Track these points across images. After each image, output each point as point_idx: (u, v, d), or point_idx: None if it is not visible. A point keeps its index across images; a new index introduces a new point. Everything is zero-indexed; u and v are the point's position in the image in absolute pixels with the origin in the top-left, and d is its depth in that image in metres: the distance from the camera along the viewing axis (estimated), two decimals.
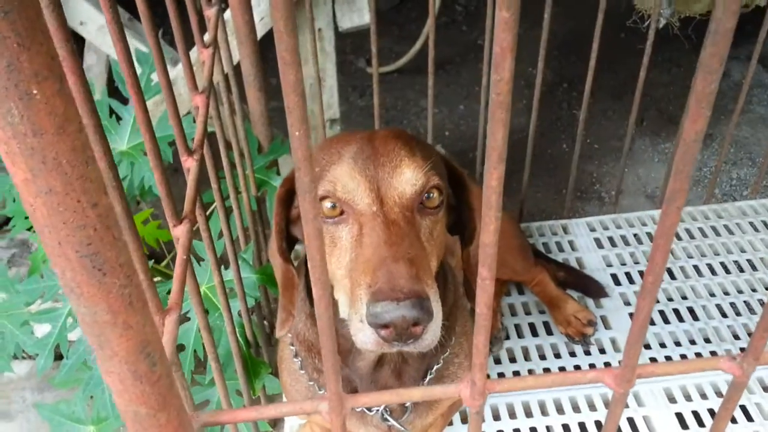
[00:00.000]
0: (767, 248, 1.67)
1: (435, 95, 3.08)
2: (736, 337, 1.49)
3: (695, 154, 0.37)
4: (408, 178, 0.80)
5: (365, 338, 0.75)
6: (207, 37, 1.01)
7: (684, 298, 1.58)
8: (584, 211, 2.55)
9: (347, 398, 0.45)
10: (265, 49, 1.50)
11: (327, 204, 0.81)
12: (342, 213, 0.81)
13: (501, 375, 1.45)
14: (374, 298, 0.70)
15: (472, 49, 3.20)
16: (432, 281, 0.76)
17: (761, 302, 1.55)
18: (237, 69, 1.29)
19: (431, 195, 0.83)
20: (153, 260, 1.43)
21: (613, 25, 2.53)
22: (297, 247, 1.01)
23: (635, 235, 1.74)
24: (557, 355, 1.49)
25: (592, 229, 1.77)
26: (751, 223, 1.72)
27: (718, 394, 1.38)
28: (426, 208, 0.83)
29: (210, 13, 1.03)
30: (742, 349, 1.47)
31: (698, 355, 1.46)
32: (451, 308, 1.04)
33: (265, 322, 1.56)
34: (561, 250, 1.72)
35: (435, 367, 1.04)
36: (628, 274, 1.64)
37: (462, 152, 2.70)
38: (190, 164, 0.78)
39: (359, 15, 1.58)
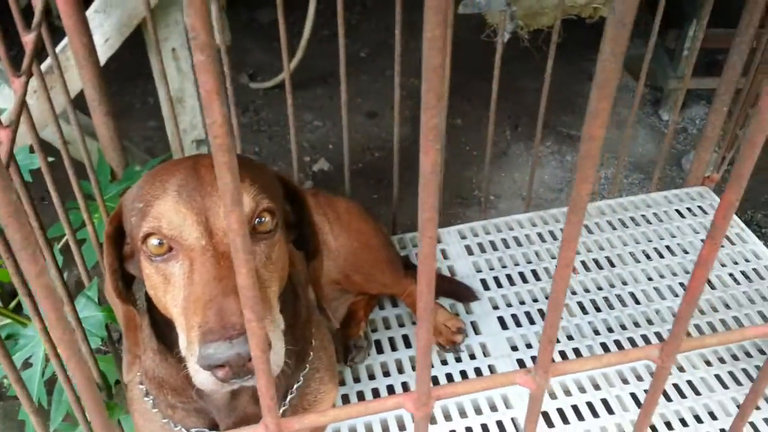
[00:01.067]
0: (623, 245, 1.75)
1: (318, 108, 3.08)
2: (597, 332, 1.55)
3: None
4: None
5: (202, 380, 0.73)
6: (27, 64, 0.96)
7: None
8: (466, 216, 2.61)
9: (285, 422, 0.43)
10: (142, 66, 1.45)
11: (153, 241, 0.78)
12: (171, 249, 0.78)
13: (375, 391, 1.45)
14: (205, 339, 0.68)
15: (354, 61, 3.22)
16: (270, 309, 0.75)
17: (619, 297, 1.63)
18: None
19: (263, 219, 0.81)
20: None
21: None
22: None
23: (503, 239, 1.79)
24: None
25: (463, 237, 1.81)
26: (609, 222, 1.81)
27: (582, 390, 1.43)
28: (259, 233, 0.81)
29: (27, 39, 0.98)
30: (603, 344, 1.54)
31: (562, 354, 1.52)
32: (305, 324, 1.04)
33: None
34: None
35: (296, 386, 1.03)
36: (496, 279, 1.68)
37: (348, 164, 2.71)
38: None
39: (215, 35, 1.56)
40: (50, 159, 1.06)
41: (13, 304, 1.44)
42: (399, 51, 1.56)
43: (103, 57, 1.52)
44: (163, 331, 0.91)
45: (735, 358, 1.50)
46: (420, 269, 0.42)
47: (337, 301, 1.56)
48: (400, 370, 1.51)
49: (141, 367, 1.00)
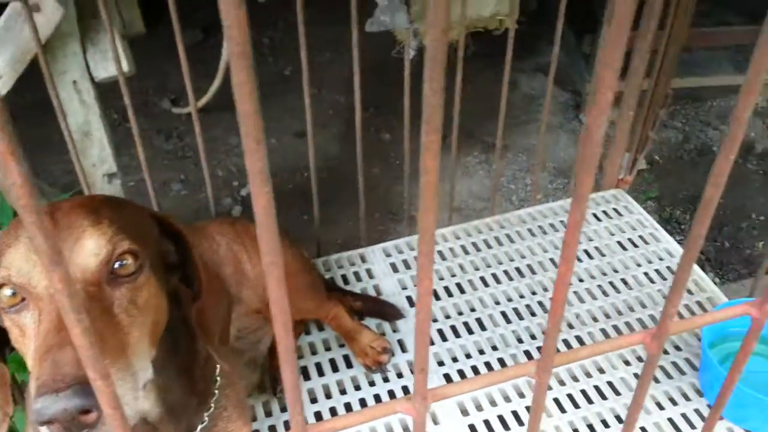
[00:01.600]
0: (544, 251, 1.79)
1: None
2: (520, 340, 1.58)
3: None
4: (90, 249, 0.76)
5: None
6: None
7: (473, 310, 1.65)
8: (397, 231, 2.62)
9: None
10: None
11: (6, 292, 0.75)
12: (23, 299, 0.75)
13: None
14: (38, 392, 0.65)
15: (279, 81, 3.21)
16: (129, 357, 0.73)
17: (540, 304, 1.66)
18: None
19: (125, 261, 0.78)
20: None
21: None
22: None
23: None
24: (357, 387, 1.51)
25: (388, 255, 1.82)
26: (529, 230, 1.85)
27: (507, 399, 1.45)
28: (120, 276, 0.78)
29: None
30: (526, 352, 1.56)
31: (487, 365, 1.54)
32: (206, 363, 1.02)
33: None
34: (359, 279, 1.75)
35: (200, 426, 1.01)
36: None
37: (275, 187, 2.69)
38: None
39: (114, 64, 1.52)
40: None
41: None
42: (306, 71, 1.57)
43: None
44: None
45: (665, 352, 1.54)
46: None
47: (261, 330, 1.54)
48: (328, 395, 1.50)
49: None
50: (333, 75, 3.23)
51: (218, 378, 1.03)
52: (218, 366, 1.04)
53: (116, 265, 0.77)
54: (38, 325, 0.73)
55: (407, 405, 0.53)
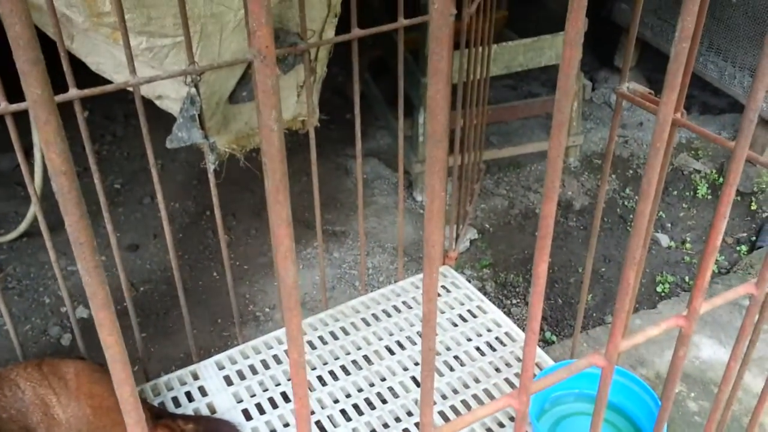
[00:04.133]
0: (379, 339, 1.80)
1: (72, 252, 2.90)
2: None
3: None
4: None
5: None
6: None
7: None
8: (244, 335, 2.55)
9: None
10: None
11: None
12: None
13: None
14: None
15: (108, 193, 3.09)
16: None
17: (379, 395, 1.65)
18: None
19: None
20: None
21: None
22: None
23: (262, 361, 1.76)
24: None
25: (221, 367, 1.76)
26: (363, 319, 1.86)
27: None
28: None
29: None
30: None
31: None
32: None
33: None
34: (191, 399, 1.67)
35: None
36: (258, 405, 1.64)
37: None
38: None
39: None
40: None
41: None
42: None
43: None
44: None
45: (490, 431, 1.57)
46: None
47: None
48: None
49: None
50: (166, 183, 3.17)
51: None
52: None
53: None
54: None
55: None
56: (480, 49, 1.96)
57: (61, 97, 1.34)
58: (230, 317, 2.58)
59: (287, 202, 0.45)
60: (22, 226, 2.72)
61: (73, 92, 1.34)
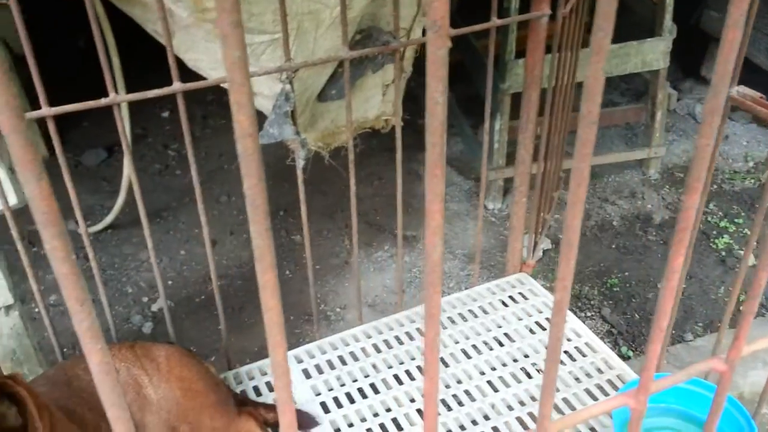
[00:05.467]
0: (455, 343, 1.79)
1: (154, 244, 3.01)
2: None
3: None
4: None
5: None
6: None
7: (388, 410, 1.63)
8: (313, 333, 2.59)
9: None
10: None
11: None
12: None
13: None
14: None
15: (188, 192, 3.19)
16: None
17: (455, 397, 1.65)
18: None
19: None
20: None
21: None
22: None
23: (339, 356, 1.78)
24: None
25: (300, 361, 1.78)
26: (449, 318, 1.86)
27: None
28: None
29: None
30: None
31: None
32: None
33: None
34: (272, 389, 1.70)
35: None
36: (336, 399, 1.66)
37: (188, 298, 2.63)
38: None
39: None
40: None
41: None
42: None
43: None
44: None
45: None
46: None
47: None
48: None
49: None
50: (239, 182, 3.25)
51: None
52: None
53: None
54: None
55: None
56: (568, 53, 1.94)
57: (166, 90, 1.40)
58: (302, 315, 2.63)
59: (443, 177, 0.46)
60: (108, 218, 2.84)
61: (177, 85, 1.40)
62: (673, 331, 2.42)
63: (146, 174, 3.30)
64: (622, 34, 2.81)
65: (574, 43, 1.92)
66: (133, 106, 2.24)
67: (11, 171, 1.63)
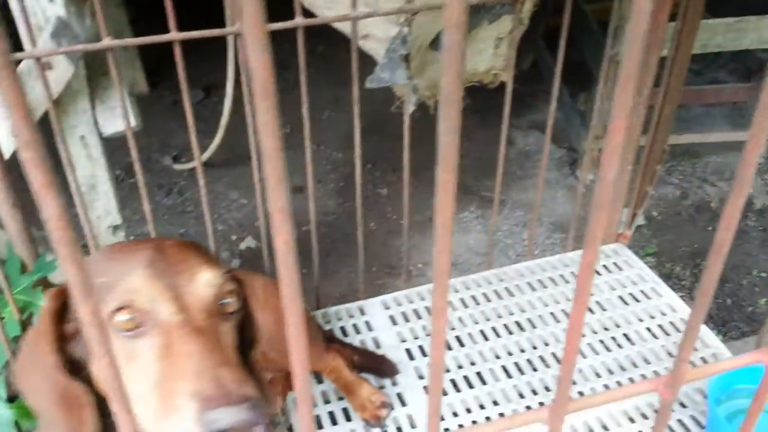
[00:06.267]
0: (544, 305, 1.77)
1: (244, 186, 3.08)
2: (521, 395, 1.55)
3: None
4: (207, 283, 0.81)
5: None
6: None
7: (473, 363, 1.63)
8: (395, 286, 2.60)
9: None
10: None
11: (123, 316, 0.77)
12: (139, 325, 0.77)
13: None
14: (207, 406, 0.69)
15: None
16: (253, 382, 0.75)
17: (542, 358, 1.63)
18: None
19: (228, 300, 0.83)
20: None
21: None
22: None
23: (426, 307, 1.79)
24: None
25: (387, 307, 1.81)
26: (528, 283, 1.84)
27: None
28: (223, 313, 0.83)
29: None
30: (527, 407, 1.53)
31: (488, 419, 1.50)
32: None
33: None
34: (358, 332, 1.73)
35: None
36: (421, 347, 1.67)
37: None
38: None
39: (122, 121, 1.55)
40: None
41: None
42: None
43: (8, 150, 1.49)
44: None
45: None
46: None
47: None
48: None
49: None
50: (332, 132, 3.28)
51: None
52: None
53: (221, 303, 0.82)
54: (165, 350, 0.75)
55: None
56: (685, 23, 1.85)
57: (286, 24, 1.41)
58: (384, 267, 2.65)
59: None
60: (205, 155, 2.91)
61: (299, 20, 1.40)
62: (765, 318, 2.32)
63: (238, 117, 3.37)
64: (740, 8, 2.67)
65: (696, 12, 1.82)
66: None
67: (131, 95, 1.69)
